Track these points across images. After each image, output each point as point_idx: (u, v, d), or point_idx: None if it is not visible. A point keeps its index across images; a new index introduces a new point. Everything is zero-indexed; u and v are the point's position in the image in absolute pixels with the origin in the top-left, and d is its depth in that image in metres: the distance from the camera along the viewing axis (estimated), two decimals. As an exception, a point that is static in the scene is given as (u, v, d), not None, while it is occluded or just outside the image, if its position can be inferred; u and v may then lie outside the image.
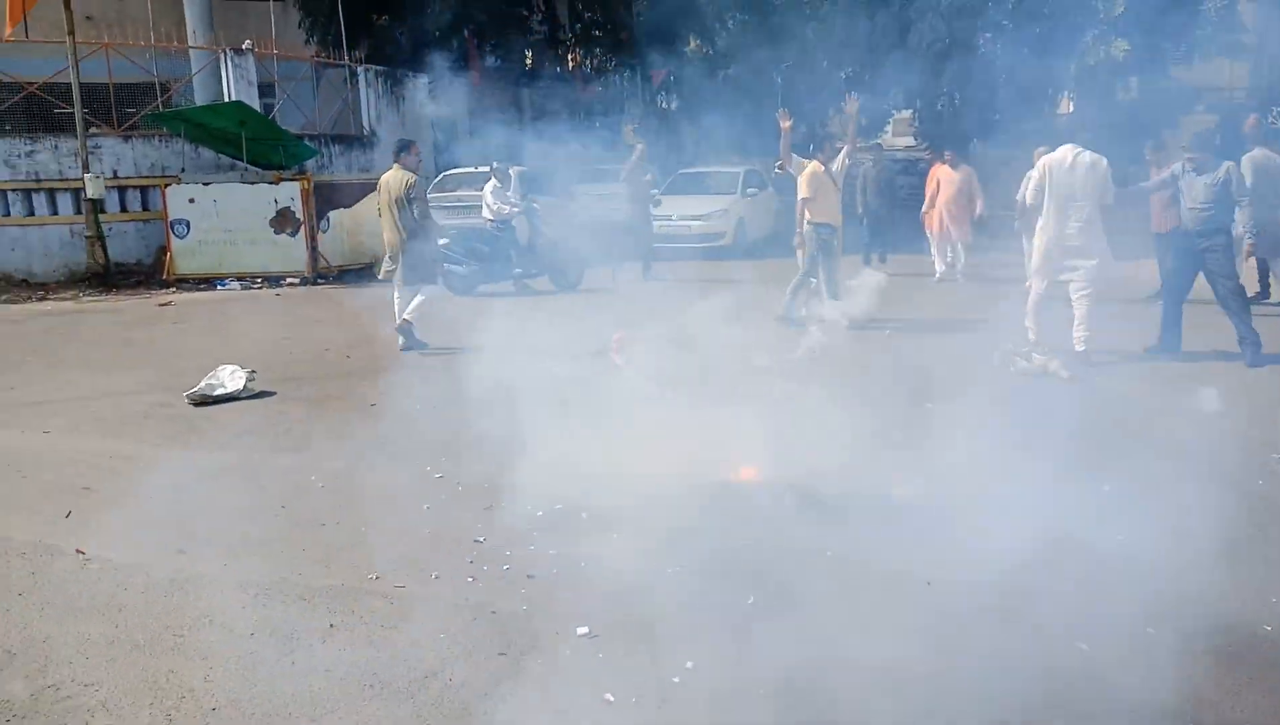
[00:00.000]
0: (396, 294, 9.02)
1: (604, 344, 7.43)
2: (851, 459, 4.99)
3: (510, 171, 12.85)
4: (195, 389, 7.27)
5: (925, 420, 5.71)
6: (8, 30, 13.76)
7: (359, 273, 14.63)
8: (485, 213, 12.70)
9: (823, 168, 9.33)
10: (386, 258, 9.01)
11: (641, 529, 4.40)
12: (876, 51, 18.69)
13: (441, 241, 11.90)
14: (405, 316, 8.82)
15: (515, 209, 12.59)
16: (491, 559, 4.24)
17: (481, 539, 4.44)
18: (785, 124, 9.49)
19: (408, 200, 8.65)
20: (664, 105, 35.69)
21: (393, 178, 8.77)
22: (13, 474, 5.66)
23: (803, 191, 9.26)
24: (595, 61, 30.11)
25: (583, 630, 3.58)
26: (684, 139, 32.65)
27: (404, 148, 8.91)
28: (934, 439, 5.17)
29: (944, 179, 12.64)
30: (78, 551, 4.45)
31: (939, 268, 12.75)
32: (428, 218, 8.96)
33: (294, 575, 4.15)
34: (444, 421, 6.21)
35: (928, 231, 12.88)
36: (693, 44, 32.93)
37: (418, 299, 8.87)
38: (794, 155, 9.73)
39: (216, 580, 4.11)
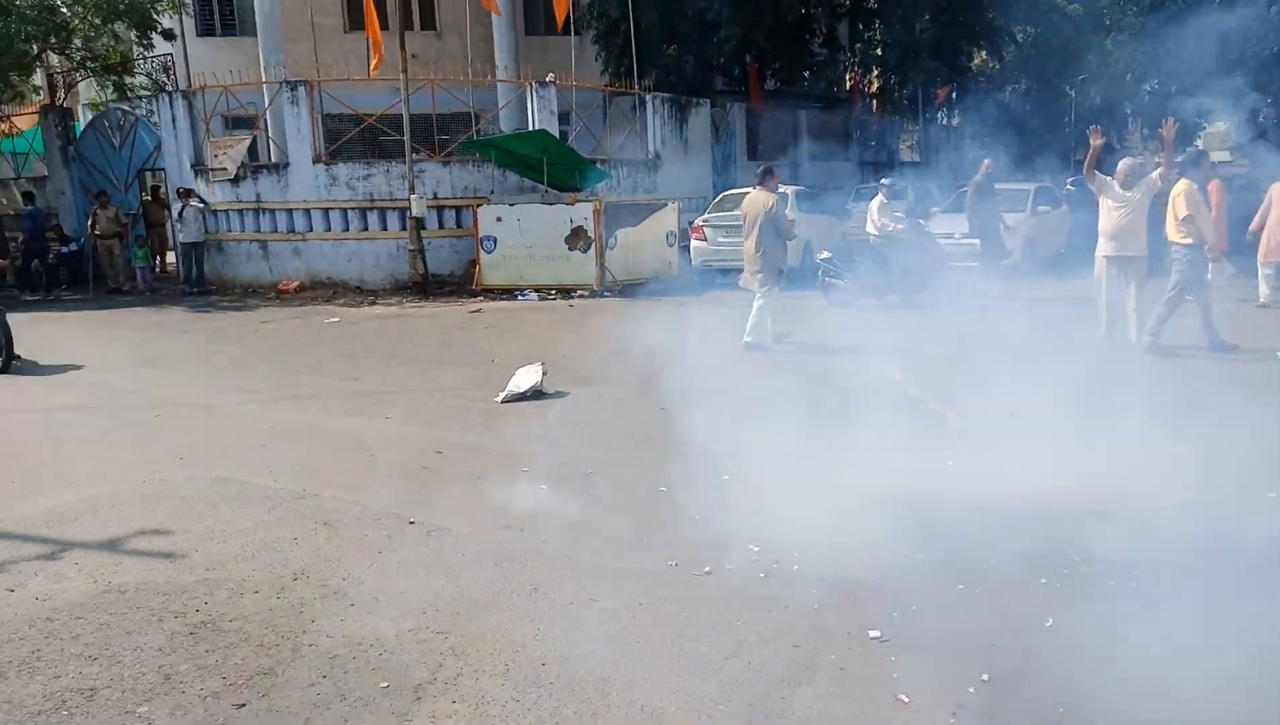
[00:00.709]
0: (756, 303, 10.00)
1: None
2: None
3: (898, 188, 13.13)
4: (504, 392, 8.06)
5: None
6: (372, 71, 15.86)
7: (640, 287, 15.40)
8: (869, 228, 13.02)
9: (1195, 186, 9.00)
10: (746, 269, 10.11)
11: (943, 539, 4.46)
12: (1189, 61, 17.18)
13: (822, 255, 12.63)
14: (763, 327, 9.86)
15: (900, 226, 12.74)
16: (783, 557, 4.45)
17: (762, 544, 4.66)
18: (1096, 141, 9.15)
19: (768, 219, 9.74)
20: (947, 122, 34.58)
21: (756, 198, 9.94)
22: (364, 454, 6.59)
23: (1182, 210, 8.88)
24: (876, 81, 29.76)
25: (874, 634, 3.70)
26: (968, 156, 31.35)
27: (768, 172, 10.08)
28: None
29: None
30: (410, 523, 5.14)
31: (1263, 292, 11.54)
32: (784, 234, 9.97)
33: (604, 557, 4.57)
34: (733, 422, 6.48)
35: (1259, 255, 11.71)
36: (979, 59, 31.73)
37: (758, 303, 9.90)
38: (1097, 172, 9.29)
39: (538, 553, 4.62)
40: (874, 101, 30.09)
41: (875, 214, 13.02)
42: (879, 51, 26.38)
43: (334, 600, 4.19)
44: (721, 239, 15.75)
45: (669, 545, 4.65)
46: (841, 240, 13.13)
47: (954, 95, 29.60)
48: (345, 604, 4.15)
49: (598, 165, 17.09)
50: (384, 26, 17.29)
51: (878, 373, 7.99)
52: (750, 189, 17.26)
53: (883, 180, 13.42)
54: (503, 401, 7.92)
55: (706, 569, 4.36)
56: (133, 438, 7.25)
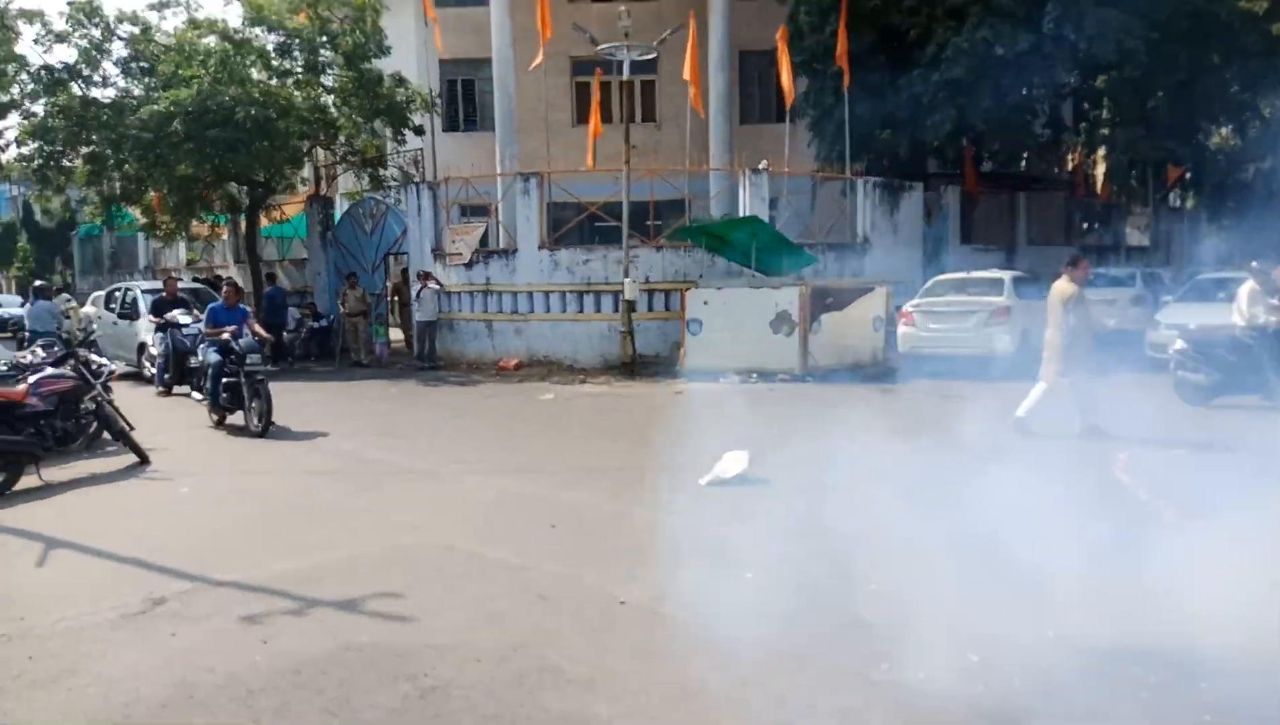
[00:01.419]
0: (1040, 387, 10.01)
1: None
2: None
3: (1273, 273, 11.57)
4: (710, 476, 8.21)
5: None
6: (595, 163, 16.95)
7: (844, 372, 15.26)
8: (1236, 318, 11.58)
9: None
10: (1045, 358, 10.14)
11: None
12: None
13: (1177, 347, 11.74)
14: (1037, 408, 9.86)
15: (1276, 317, 11.20)
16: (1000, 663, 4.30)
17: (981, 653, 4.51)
18: None
19: (1064, 308, 9.80)
20: (1180, 204, 32.33)
21: (1059, 287, 10.01)
22: (578, 529, 6.90)
23: None
24: (1101, 162, 28.37)
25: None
26: (1201, 241, 29.17)
27: (1073, 262, 10.15)
28: None
29: None
30: (621, 603, 5.34)
31: None
32: (1089, 324, 9.98)
33: (816, 651, 4.58)
34: (948, 517, 6.33)
35: None
36: (1218, 136, 29.63)
37: (1039, 388, 9.92)
38: None
39: (743, 643, 4.68)
40: (1099, 183, 28.67)
41: (1244, 303, 11.51)
42: (1107, 131, 25.20)
43: (551, 675, 4.43)
44: (932, 325, 15.40)
45: (880, 646, 4.60)
46: (1197, 331, 11.77)
47: (1187, 175, 27.73)
48: (562, 679, 4.38)
49: (806, 250, 17.24)
50: (607, 120, 18.38)
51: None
52: (960, 273, 16.97)
53: (1252, 263, 11.78)
54: (707, 484, 8.07)
55: (921, 675, 4.28)
56: (371, 503, 7.94)
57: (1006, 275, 16.16)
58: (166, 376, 15.15)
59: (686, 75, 18.05)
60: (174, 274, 21.65)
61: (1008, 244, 24.14)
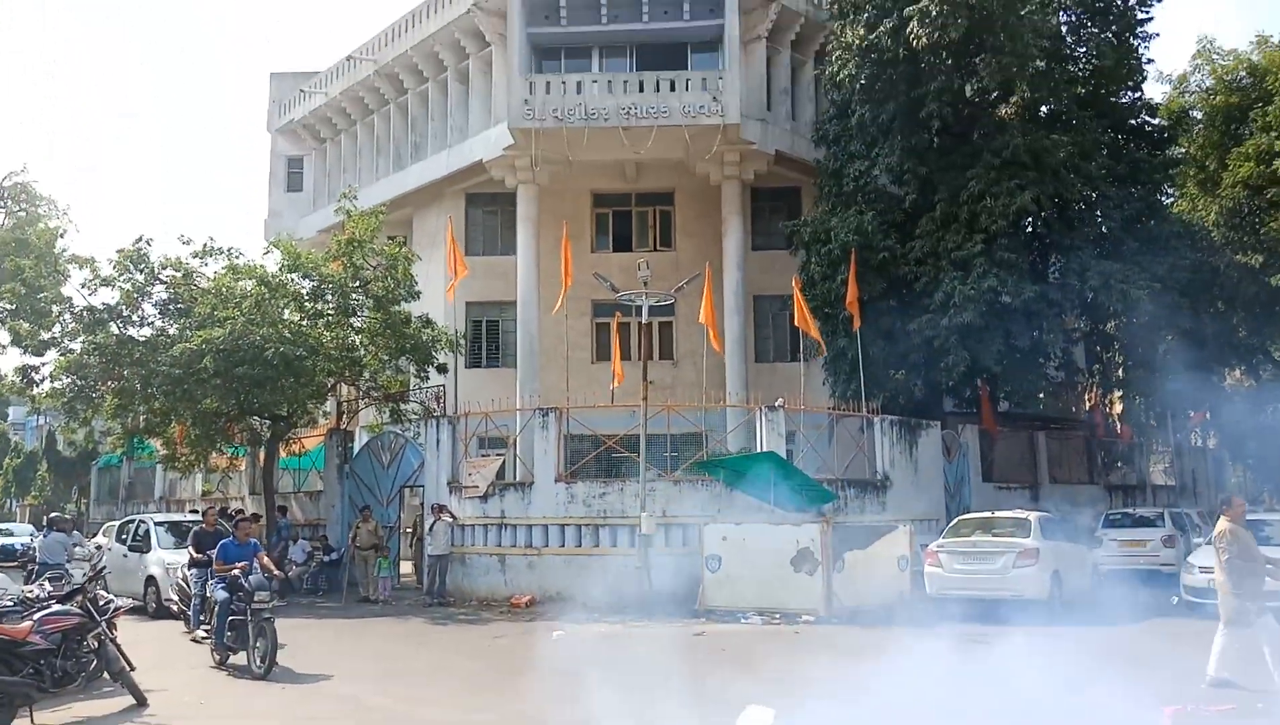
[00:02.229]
0: (1221, 631, 9.66)
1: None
2: None
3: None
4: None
5: None
6: (613, 398, 17.23)
7: (870, 613, 14.65)
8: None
9: None
10: (1219, 597, 9.91)
11: None
12: None
13: None
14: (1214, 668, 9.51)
15: None
16: None
17: None
18: None
19: (1217, 549, 9.80)
20: (1203, 443, 32.28)
21: (1219, 526, 9.96)
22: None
23: None
24: (1117, 402, 28.66)
25: None
26: (1227, 481, 28.89)
27: (1226, 502, 10.32)
28: None
29: None
30: None
31: None
32: (1247, 559, 9.72)
33: None
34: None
35: None
36: (1231, 377, 30.03)
37: (1220, 641, 9.58)
38: None
39: None
40: (1118, 422, 28.79)
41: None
42: (1120, 373, 25.60)
43: None
44: (959, 566, 14.94)
45: None
46: None
47: (1209, 415, 27.85)
48: None
49: (824, 486, 17.07)
50: (626, 357, 18.85)
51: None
52: (985, 513, 16.71)
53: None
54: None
55: None
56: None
57: (1033, 515, 15.86)
58: (202, 618, 13.20)
59: (703, 318, 18.68)
60: (203, 507, 21.60)
61: (1030, 482, 23.91)
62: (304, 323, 20.34)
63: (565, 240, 20.28)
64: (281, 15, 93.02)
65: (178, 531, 17.29)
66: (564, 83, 23.37)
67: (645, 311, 17.52)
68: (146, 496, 31.16)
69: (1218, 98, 27.08)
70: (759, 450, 17.50)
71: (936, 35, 19.28)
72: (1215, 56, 27.65)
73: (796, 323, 19.78)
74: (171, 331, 20.11)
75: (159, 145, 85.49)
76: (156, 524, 17.72)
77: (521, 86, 23.22)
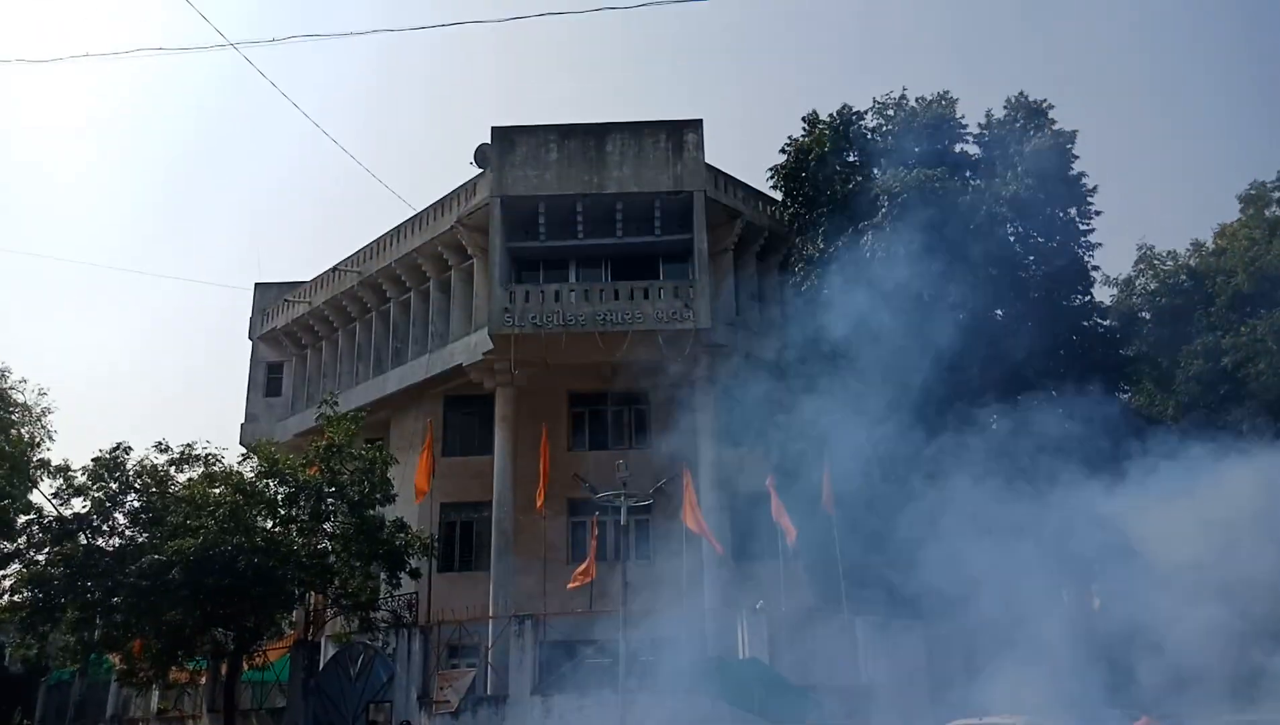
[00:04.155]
0: None
1: None
2: None
3: None
4: None
5: None
6: (588, 580, 16.89)
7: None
8: None
9: None
10: None
11: None
12: None
13: None
14: None
15: None
16: None
17: None
18: None
19: None
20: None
21: None
22: None
23: None
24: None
25: None
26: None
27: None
28: None
29: None
30: None
31: None
32: None
33: None
34: None
35: None
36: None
37: None
38: None
39: None
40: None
41: None
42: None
43: None
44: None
45: None
46: None
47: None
48: None
49: (809, 692, 16.59)
50: (602, 558, 18.64)
51: None
52: (974, 719, 16.15)
53: None
54: None
55: None
56: None
57: (1021, 719, 15.42)
58: None
59: (685, 519, 18.69)
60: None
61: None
62: (277, 530, 20.06)
63: (544, 440, 20.51)
64: (270, 231, 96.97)
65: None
66: (543, 292, 24.31)
67: (624, 513, 17.56)
68: (97, 716, 29.40)
69: (1163, 300, 28.62)
70: (741, 656, 17.11)
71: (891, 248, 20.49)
72: (1155, 261, 29.43)
73: (774, 516, 19.79)
74: (141, 541, 19.71)
75: (138, 352, 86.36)
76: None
77: (502, 296, 24.10)
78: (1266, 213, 30.57)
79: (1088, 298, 25.85)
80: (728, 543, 24.91)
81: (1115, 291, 30.66)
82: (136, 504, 20.28)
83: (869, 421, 22.17)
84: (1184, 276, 28.76)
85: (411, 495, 23.06)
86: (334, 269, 31.30)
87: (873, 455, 21.55)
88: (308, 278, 33.02)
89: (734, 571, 24.22)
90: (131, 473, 20.09)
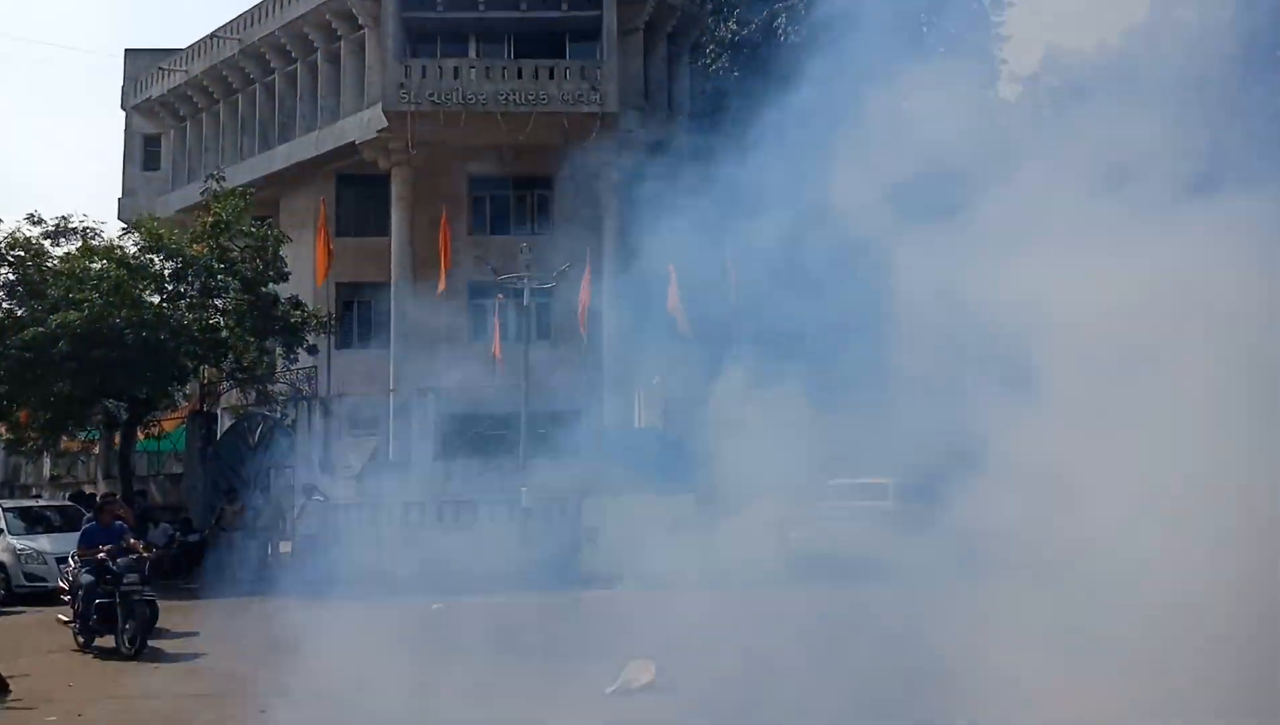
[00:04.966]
0: None
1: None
2: None
3: None
4: (614, 685, 8.06)
5: None
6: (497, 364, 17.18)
7: (745, 578, 15.13)
8: None
9: None
10: None
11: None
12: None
13: None
14: None
15: None
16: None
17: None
18: None
19: None
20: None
21: None
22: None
23: None
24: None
25: None
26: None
27: None
28: None
29: None
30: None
31: None
32: None
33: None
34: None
35: None
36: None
37: None
38: None
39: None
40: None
41: None
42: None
43: None
44: (826, 530, 15.74)
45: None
46: None
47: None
48: None
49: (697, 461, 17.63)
50: (504, 338, 18.98)
51: None
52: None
53: None
54: (612, 694, 7.92)
55: None
56: None
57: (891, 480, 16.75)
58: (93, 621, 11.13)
59: (584, 302, 19.00)
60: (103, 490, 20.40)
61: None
62: (165, 306, 19.60)
63: (444, 222, 20.26)
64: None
65: (28, 517, 16.53)
66: (440, 67, 23.28)
67: (527, 295, 17.73)
68: (-15, 481, 29.24)
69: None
70: (638, 427, 17.97)
71: (805, 32, 20.12)
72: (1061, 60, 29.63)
73: (669, 304, 20.26)
74: (20, 314, 19.04)
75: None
76: (5, 509, 16.82)
77: (396, 70, 23.01)
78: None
79: (991, 94, 26.09)
80: (628, 325, 25.53)
81: (1020, 89, 30.96)
82: (12, 277, 19.47)
83: (774, 209, 22.48)
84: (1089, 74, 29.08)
85: (306, 274, 22.69)
86: (212, 36, 29.12)
87: (777, 243, 21.95)
88: (183, 45, 30.70)
89: (633, 352, 24.95)
90: (3, 245, 19.15)
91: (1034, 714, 6.11)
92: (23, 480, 27.15)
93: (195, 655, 10.64)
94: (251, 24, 27.91)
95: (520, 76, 23.34)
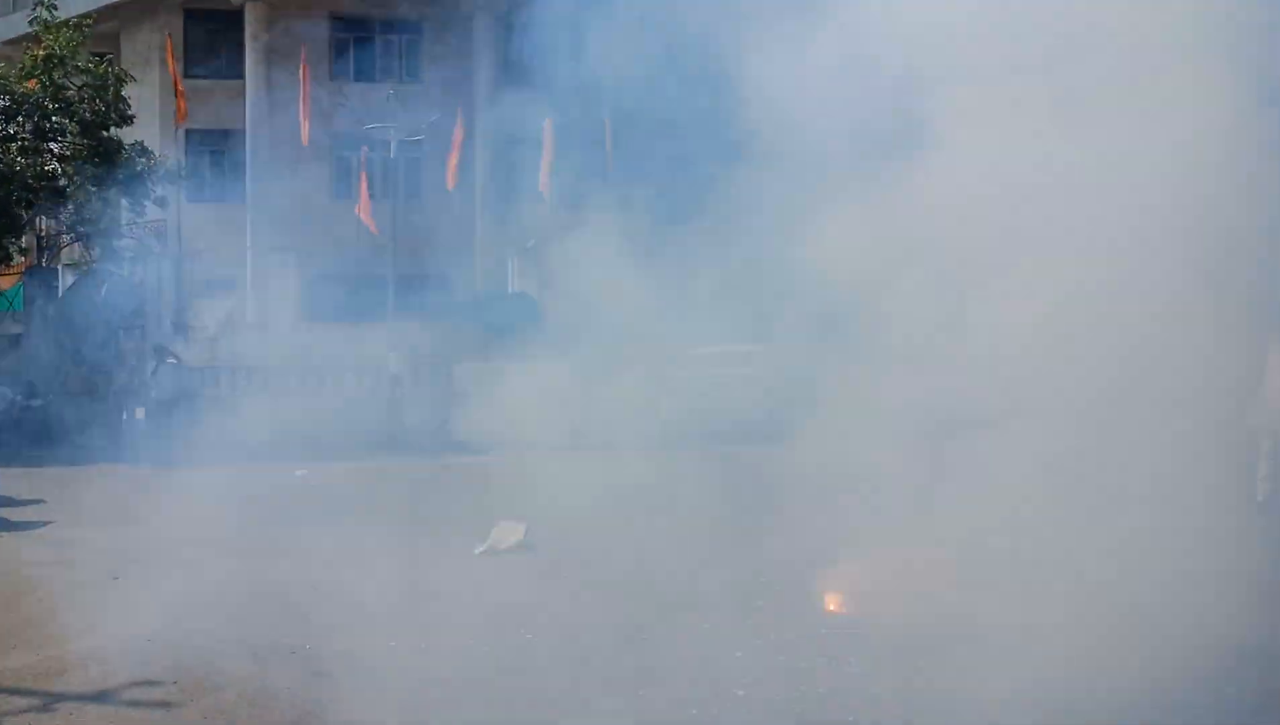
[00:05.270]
0: None
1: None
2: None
3: None
4: (484, 546, 8.16)
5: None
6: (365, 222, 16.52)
7: (621, 441, 15.45)
8: None
9: None
10: None
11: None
12: None
13: None
14: None
15: None
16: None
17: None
18: None
19: None
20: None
21: None
22: (349, 607, 6.56)
23: None
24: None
25: None
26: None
27: None
28: None
29: None
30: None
31: None
32: None
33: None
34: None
35: None
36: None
37: None
38: None
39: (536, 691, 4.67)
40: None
41: None
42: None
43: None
44: (696, 395, 16.07)
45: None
46: None
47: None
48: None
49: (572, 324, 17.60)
50: (370, 195, 18.14)
51: None
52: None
53: None
54: (482, 554, 8.01)
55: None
56: (111, 591, 7.21)
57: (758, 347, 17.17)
58: None
59: (454, 158, 18.25)
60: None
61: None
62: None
63: (304, 65, 18.91)
64: None
65: None
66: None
67: (394, 148, 16.89)
68: None
69: None
70: (511, 291, 17.71)
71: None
72: None
73: (541, 168, 19.65)
74: None
75: None
76: None
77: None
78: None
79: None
80: (502, 183, 24.78)
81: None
82: None
83: (652, 63, 21.87)
84: None
85: (151, 119, 20.98)
86: None
87: (658, 101, 21.44)
88: None
89: (507, 212, 24.33)
90: None
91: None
92: None
93: (43, 523, 10.16)
94: None
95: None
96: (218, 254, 17.42)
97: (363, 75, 24.98)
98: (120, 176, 18.57)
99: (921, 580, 5.55)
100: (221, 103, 23.54)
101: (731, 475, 11.33)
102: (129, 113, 18.94)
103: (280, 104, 21.79)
